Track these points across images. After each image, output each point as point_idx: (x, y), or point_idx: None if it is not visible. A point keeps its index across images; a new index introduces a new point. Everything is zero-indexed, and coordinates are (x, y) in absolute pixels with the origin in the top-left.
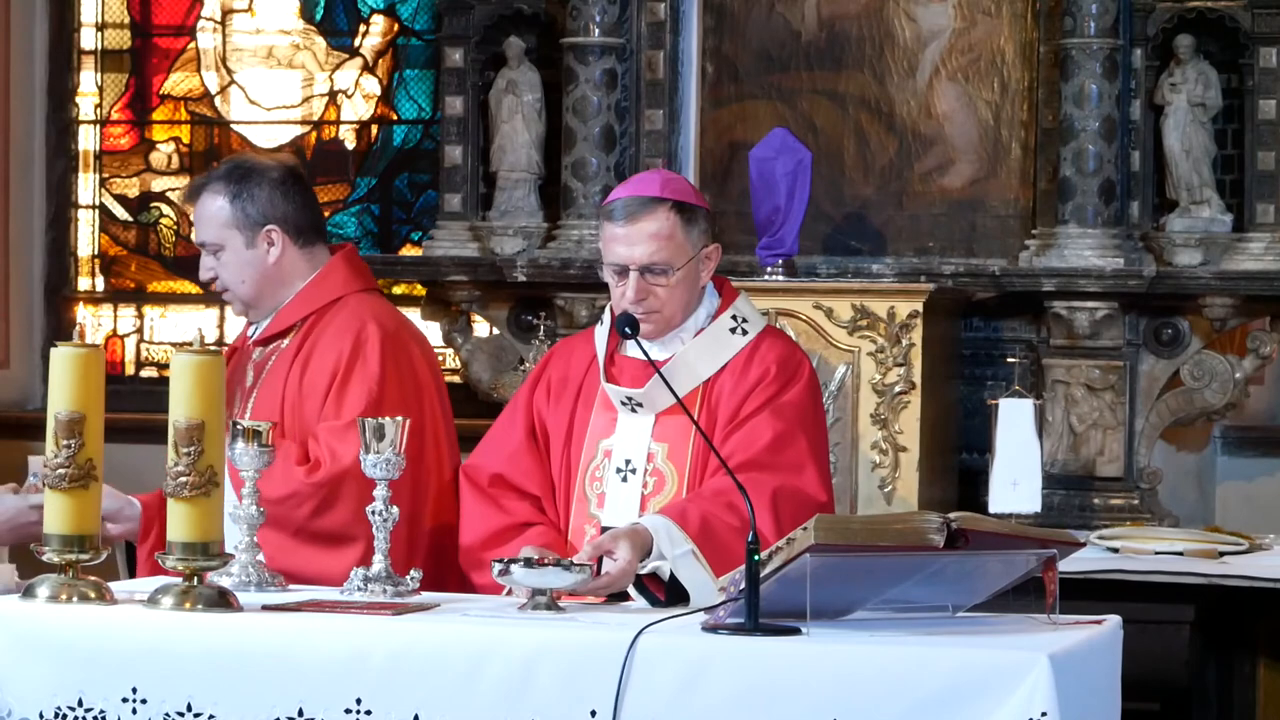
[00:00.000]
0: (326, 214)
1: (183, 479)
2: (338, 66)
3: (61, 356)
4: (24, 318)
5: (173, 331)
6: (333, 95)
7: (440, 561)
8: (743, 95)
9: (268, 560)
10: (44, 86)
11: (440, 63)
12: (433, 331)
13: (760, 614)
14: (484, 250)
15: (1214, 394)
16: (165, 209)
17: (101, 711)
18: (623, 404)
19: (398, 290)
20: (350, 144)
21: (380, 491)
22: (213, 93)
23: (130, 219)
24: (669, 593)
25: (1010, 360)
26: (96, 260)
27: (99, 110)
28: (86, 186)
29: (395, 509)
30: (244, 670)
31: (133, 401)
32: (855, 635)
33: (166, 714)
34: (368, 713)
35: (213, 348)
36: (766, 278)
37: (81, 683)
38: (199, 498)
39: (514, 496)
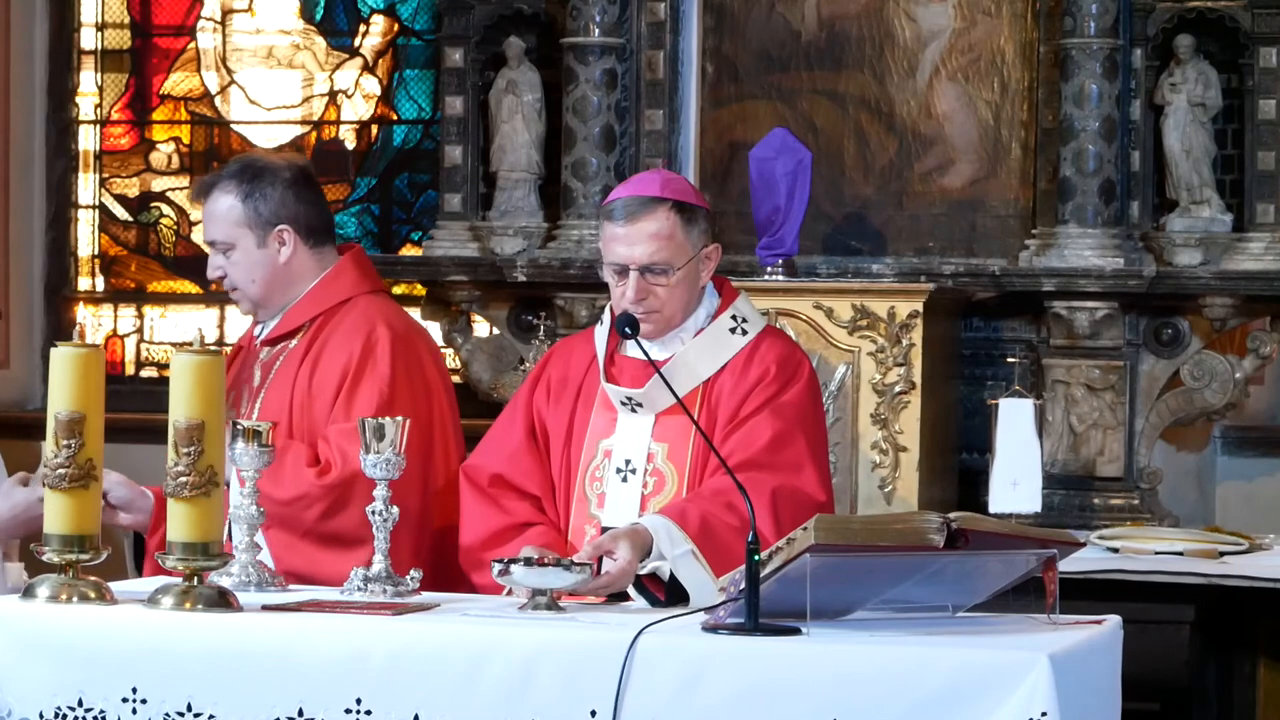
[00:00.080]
0: None
1: (183, 479)
2: (338, 66)
3: (61, 356)
4: (24, 318)
5: (173, 331)
6: (333, 95)
7: (449, 561)
8: (743, 95)
9: (276, 561)
10: (44, 86)
11: (440, 63)
12: (433, 331)
13: (760, 614)
14: (484, 250)
15: (1214, 394)
16: (165, 209)
17: (101, 711)
18: (623, 404)
19: (398, 290)
20: (350, 144)
21: (380, 491)
22: (213, 93)
23: (130, 219)
24: (669, 593)
25: (1010, 360)
26: (96, 260)
27: (99, 110)
28: (86, 186)
29: (395, 509)
30: (244, 670)
31: (133, 401)
32: (855, 635)
33: (166, 714)
34: (368, 713)
35: (213, 348)
36: (766, 278)
37: (81, 683)
38: (199, 498)
39: (514, 496)
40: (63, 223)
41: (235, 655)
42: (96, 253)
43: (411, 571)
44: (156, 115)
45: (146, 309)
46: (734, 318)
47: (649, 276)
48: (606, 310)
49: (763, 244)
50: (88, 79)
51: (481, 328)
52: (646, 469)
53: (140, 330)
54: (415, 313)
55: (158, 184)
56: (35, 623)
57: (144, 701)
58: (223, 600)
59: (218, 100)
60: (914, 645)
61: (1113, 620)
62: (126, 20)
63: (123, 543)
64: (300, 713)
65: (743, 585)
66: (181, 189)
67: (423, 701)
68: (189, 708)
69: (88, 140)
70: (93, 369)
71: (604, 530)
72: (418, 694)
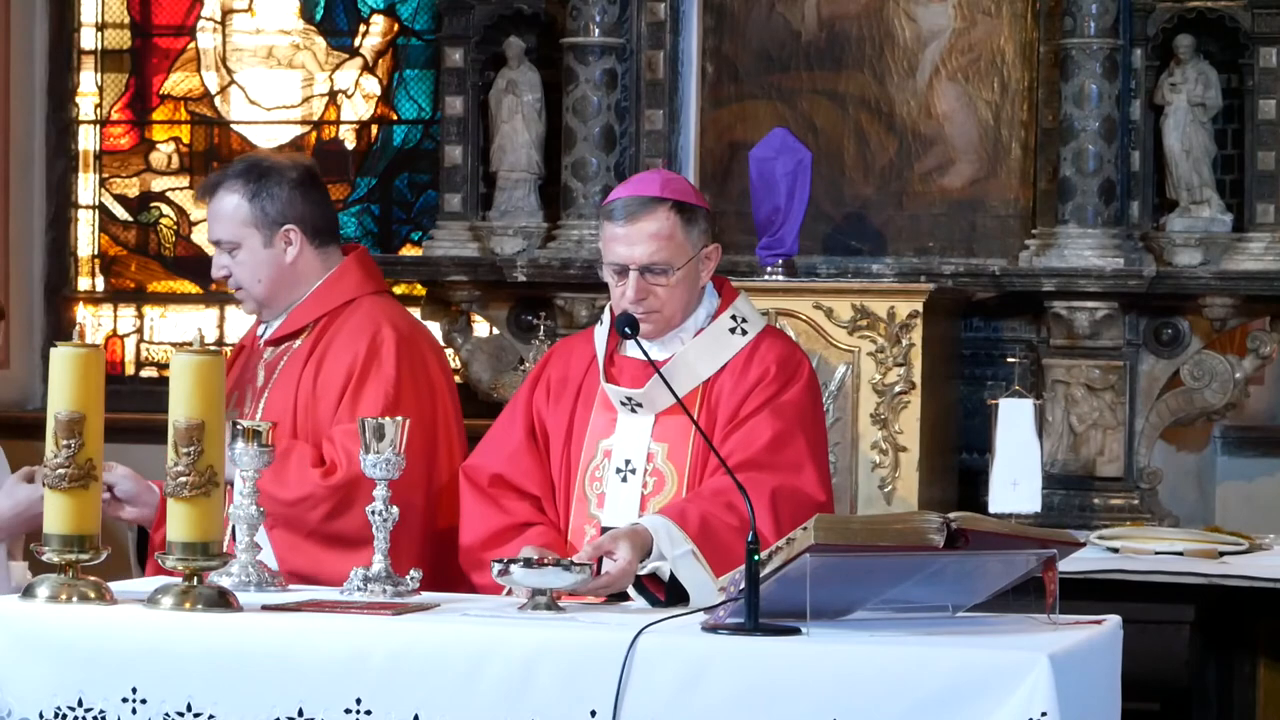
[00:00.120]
0: None
1: (183, 479)
2: (338, 66)
3: (61, 356)
4: (24, 318)
5: (173, 331)
6: (333, 95)
7: (453, 561)
8: (743, 95)
9: (280, 561)
10: (44, 86)
11: (440, 63)
12: (432, 331)
13: (760, 614)
14: (484, 250)
15: (1214, 394)
16: (165, 209)
17: (101, 711)
18: (622, 404)
19: (398, 290)
20: (350, 144)
21: (380, 491)
22: (213, 93)
23: (130, 219)
24: (669, 593)
25: (1010, 360)
26: (96, 260)
27: (99, 110)
28: (86, 186)
29: (395, 509)
30: (244, 670)
31: (133, 401)
32: (855, 635)
33: (166, 714)
34: (368, 713)
35: (212, 348)
36: (766, 278)
37: (81, 683)
38: (199, 498)
39: (514, 496)
40: (63, 223)
41: (235, 655)
42: (96, 253)
43: (411, 571)
44: (156, 115)
45: (146, 309)
46: (734, 318)
47: (649, 276)
48: (606, 310)
49: (763, 244)
50: (88, 79)
51: (481, 328)
52: (646, 469)
53: (140, 330)
54: (415, 313)
55: (158, 184)
56: (35, 623)
57: (144, 701)
58: (223, 600)
59: (218, 100)
60: (914, 645)
61: (1113, 620)
62: (126, 20)
63: (126, 537)
64: (300, 713)
65: (743, 585)
66: (181, 189)
67: (423, 701)
68: (189, 708)
69: (88, 140)
70: (93, 369)
71: (604, 530)
72: (418, 694)
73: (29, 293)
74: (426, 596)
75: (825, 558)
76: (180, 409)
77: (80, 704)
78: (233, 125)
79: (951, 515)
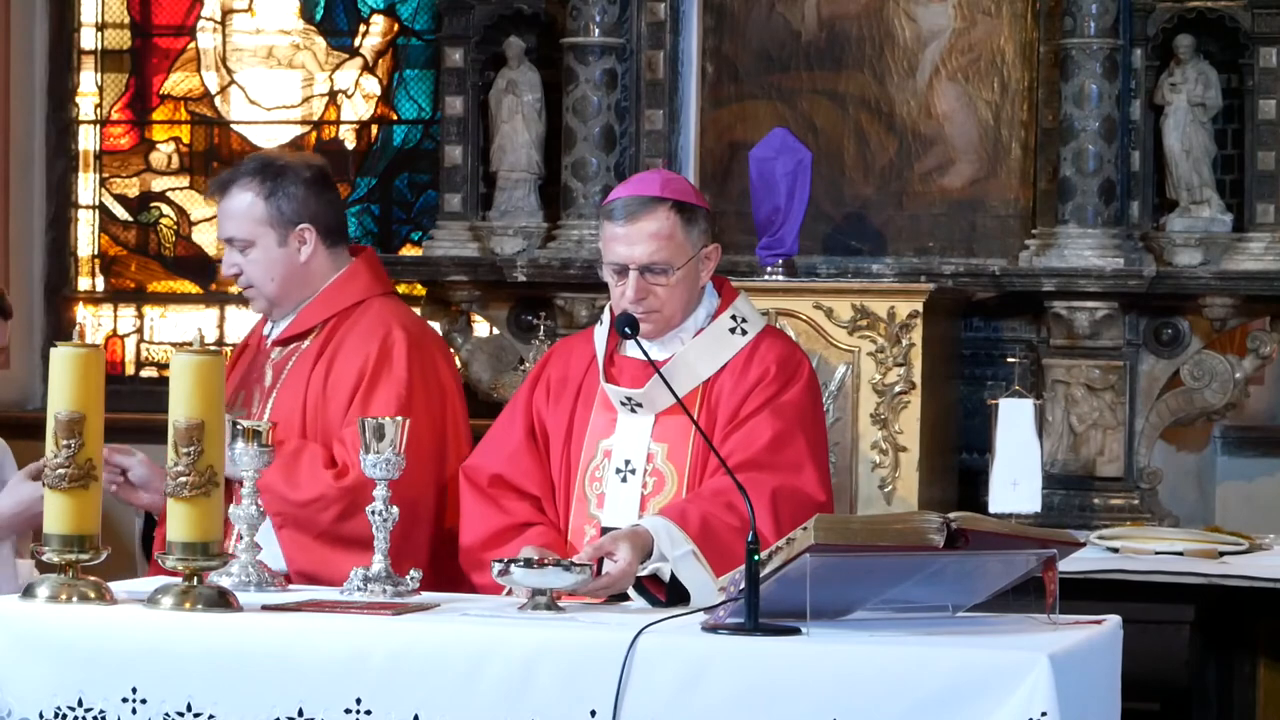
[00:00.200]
0: None
1: (183, 479)
2: (338, 66)
3: (61, 356)
4: (24, 318)
5: (173, 331)
6: (333, 95)
7: (454, 562)
8: (743, 95)
9: (289, 561)
10: (44, 86)
11: (440, 63)
12: None
13: (760, 614)
14: (484, 250)
15: (1214, 394)
16: (165, 209)
17: (101, 711)
18: (622, 404)
19: (398, 290)
20: (350, 144)
21: (380, 491)
22: (213, 93)
23: (130, 219)
24: (669, 594)
25: (1010, 360)
26: (96, 260)
27: (99, 110)
28: (86, 186)
29: (395, 509)
30: (244, 670)
31: (133, 401)
32: (855, 635)
33: (166, 714)
34: (368, 713)
35: (212, 348)
36: (766, 278)
37: (81, 683)
38: (199, 498)
39: (514, 497)
40: (63, 223)
41: (235, 655)
42: (96, 253)
43: (411, 571)
44: (156, 115)
45: (146, 309)
46: (734, 318)
47: (649, 276)
48: (606, 310)
49: (763, 244)
50: (88, 79)
51: (481, 328)
52: (646, 469)
53: (140, 330)
54: (415, 313)
55: (158, 184)
56: (35, 623)
57: (144, 701)
58: (223, 600)
59: (218, 100)
60: (914, 645)
61: (1113, 620)
62: (126, 20)
63: (134, 523)
64: (300, 713)
65: (742, 585)
66: (181, 189)
67: (423, 701)
68: (189, 708)
69: (88, 140)
70: (93, 369)
71: (604, 530)
72: (418, 694)
73: (29, 293)
74: (426, 596)
75: (825, 558)
76: (180, 409)
77: (80, 704)
78: (233, 125)
79: (951, 515)
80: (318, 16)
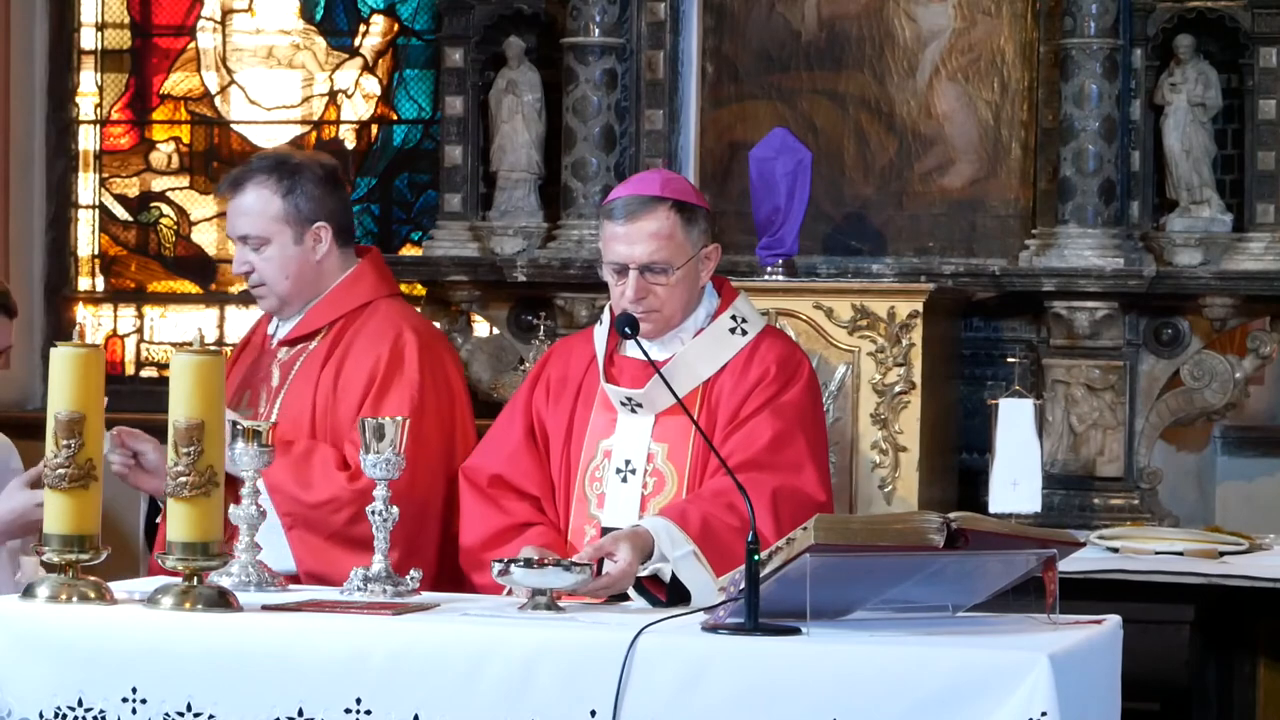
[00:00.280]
0: None
1: (183, 479)
2: (338, 66)
3: (61, 356)
4: (24, 318)
5: (173, 331)
6: (333, 95)
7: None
8: (743, 95)
9: (298, 562)
10: (44, 86)
11: (440, 63)
12: None
13: (760, 614)
14: (484, 250)
15: (1214, 394)
16: (165, 209)
17: (101, 711)
18: (622, 404)
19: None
20: (350, 144)
21: (380, 491)
22: (213, 93)
23: (130, 219)
24: (669, 595)
25: (1010, 360)
26: (96, 260)
27: (99, 110)
28: (86, 186)
29: (395, 509)
30: (244, 670)
31: (133, 401)
32: (855, 635)
33: (166, 714)
34: (368, 713)
35: (212, 348)
36: (766, 278)
37: (81, 683)
38: (199, 498)
39: (513, 497)
40: (63, 223)
41: (235, 655)
42: (96, 253)
43: (411, 571)
44: (156, 115)
45: (146, 309)
46: (734, 318)
47: (648, 276)
48: (606, 310)
49: (763, 244)
50: (88, 79)
51: (481, 328)
52: (646, 469)
53: (140, 330)
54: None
55: (158, 184)
56: (35, 623)
57: (144, 701)
58: (223, 600)
59: (218, 100)
60: (914, 645)
61: (1113, 620)
62: (126, 20)
63: (134, 523)
64: (300, 713)
65: (743, 585)
66: (181, 189)
67: (423, 701)
68: (189, 708)
69: (88, 140)
70: (93, 369)
71: (604, 531)
72: (418, 694)
73: (29, 293)
74: (426, 596)
75: (825, 558)
76: (180, 409)
77: (80, 704)
78: (233, 125)
79: (951, 515)
80: (318, 16)
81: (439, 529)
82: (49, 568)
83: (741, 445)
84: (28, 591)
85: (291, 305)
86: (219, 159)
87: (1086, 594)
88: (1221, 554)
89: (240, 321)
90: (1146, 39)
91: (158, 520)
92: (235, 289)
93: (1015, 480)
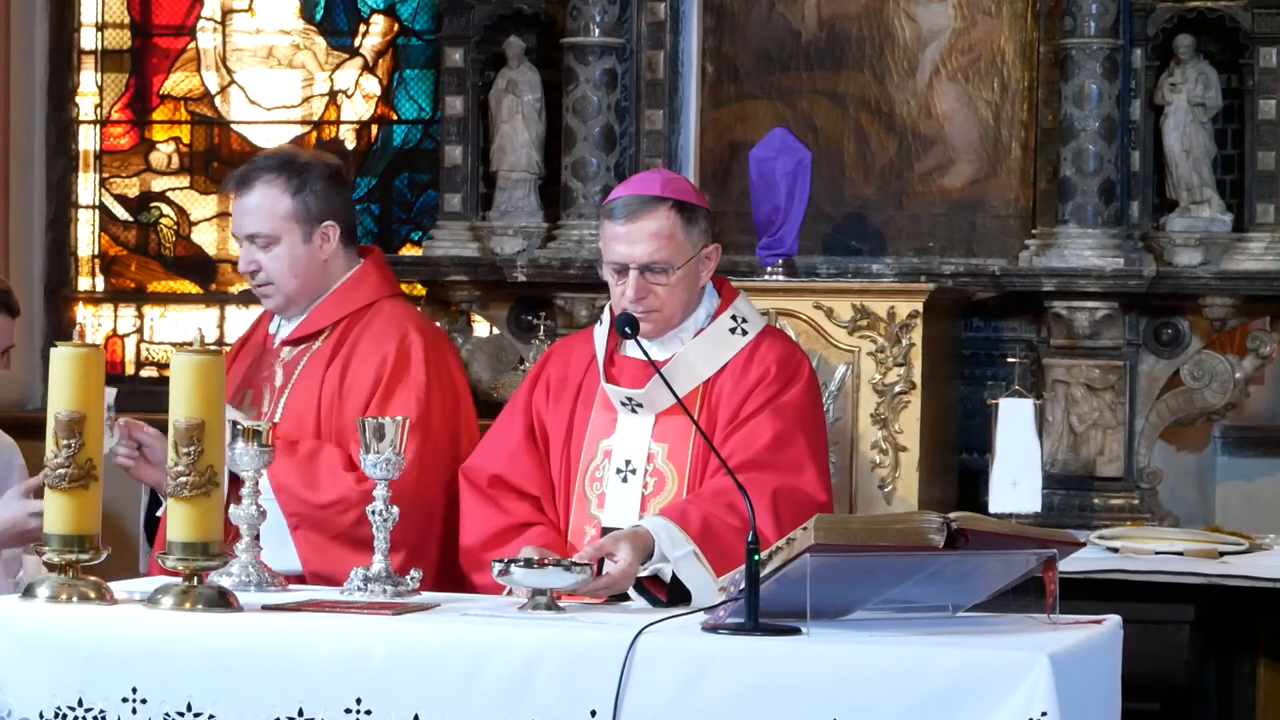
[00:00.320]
0: None
1: (183, 479)
2: (338, 66)
3: (61, 356)
4: (24, 318)
5: (173, 331)
6: (333, 95)
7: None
8: (743, 95)
9: (304, 562)
10: (44, 86)
11: (440, 63)
12: None
13: (760, 614)
14: (484, 250)
15: (1214, 394)
16: (165, 209)
17: (101, 711)
18: (623, 404)
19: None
20: (350, 144)
21: (380, 491)
22: (213, 93)
23: (130, 219)
24: (670, 595)
25: (1010, 360)
26: (96, 260)
27: (99, 110)
28: (86, 186)
29: (395, 509)
30: (244, 670)
31: (133, 401)
32: (855, 635)
33: (166, 714)
34: (368, 713)
35: (212, 348)
36: (766, 278)
37: (81, 683)
38: (199, 498)
39: (513, 497)
40: (63, 223)
41: (235, 655)
42: (96, 253)
43: (411, 571)
44: (156, 115)
45: (146, 309)
46: (734, 318)
47: (649, 276)
48: (606, 310)
49: (763, 244)
50: (88, 79)
51: (481, 328)
52: (646, 469)
53: (140, 330)
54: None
55: (158, 184)
56: (35, 623)
57: (144, 701)
58: (223, 600)
59: (218, 100)
60: (914, 645)
61: (1113, 620)
62: (126, 20)
63: (135, 522)
64: (300, 713)
65: (743, 585)
66: (182, 189)
67: (423, 701)
68: (189, 708)
69: (88, 140)
70: (93, 369)
71: (604, 531)
72: (418, 694)
73: (29, 293)
74: (426, 596)
75: (825, 558)
76: (180, 409)
77: (80, 704)
78: (233, 125)
79: (951, 515)
80: (318, 16)
81: (443, 529)
82: (50, 567)
83: (742, 445)
84: (28, 591)
85: (296, 304)
86: (219, 159)
87: (1086, 594)
88: (1221, 554)
89: (240, 321)
90: (1146, 39)
91: (158, 514)
92: (235, 289)
93: (1015, 480)
